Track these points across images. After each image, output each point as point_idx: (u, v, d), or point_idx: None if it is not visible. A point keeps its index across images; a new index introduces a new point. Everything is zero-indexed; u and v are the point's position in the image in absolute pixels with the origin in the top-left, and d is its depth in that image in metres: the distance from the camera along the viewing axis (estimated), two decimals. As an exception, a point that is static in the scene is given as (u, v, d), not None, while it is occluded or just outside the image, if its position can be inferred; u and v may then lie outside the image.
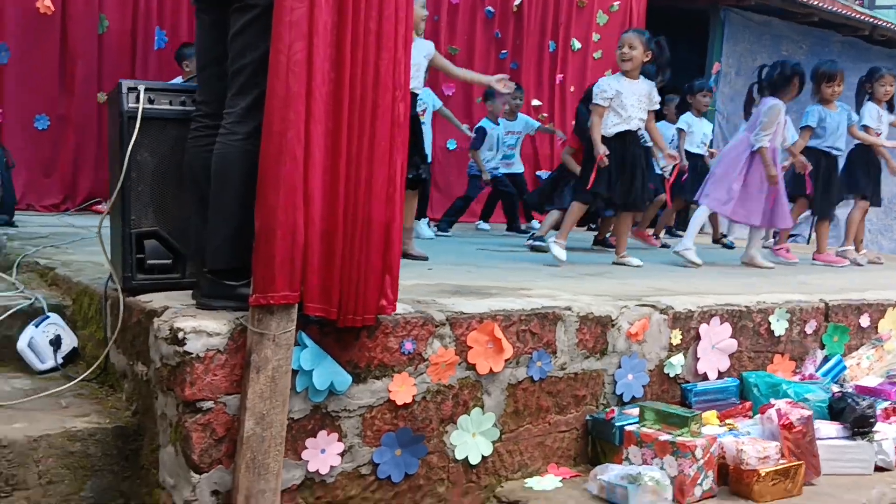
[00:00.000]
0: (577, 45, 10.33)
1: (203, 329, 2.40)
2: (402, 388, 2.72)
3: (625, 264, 5.26)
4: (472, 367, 2.87)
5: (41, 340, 3.08)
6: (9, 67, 7.28)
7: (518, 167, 8.34)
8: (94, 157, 7.62)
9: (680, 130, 7.63)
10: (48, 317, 3.15)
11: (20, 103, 7.31)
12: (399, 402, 2.71)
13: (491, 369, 2.89)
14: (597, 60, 10.40)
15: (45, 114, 7.44)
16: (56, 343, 3.10)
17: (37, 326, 3.09)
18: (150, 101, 2.80)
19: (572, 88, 10.35)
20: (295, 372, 2.49)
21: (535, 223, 8.73)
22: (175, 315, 2.49)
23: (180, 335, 2.37)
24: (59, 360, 3.09)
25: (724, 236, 7.86)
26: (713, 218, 7.73)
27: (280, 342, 2.43)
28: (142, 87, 2.77)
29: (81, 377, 2.81)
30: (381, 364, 2.68)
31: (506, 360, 2.93)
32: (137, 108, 2.75)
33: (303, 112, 2.39)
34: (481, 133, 7.94)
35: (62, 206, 7.41)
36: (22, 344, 3.04)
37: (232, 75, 2.54)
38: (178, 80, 7.26)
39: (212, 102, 2.66)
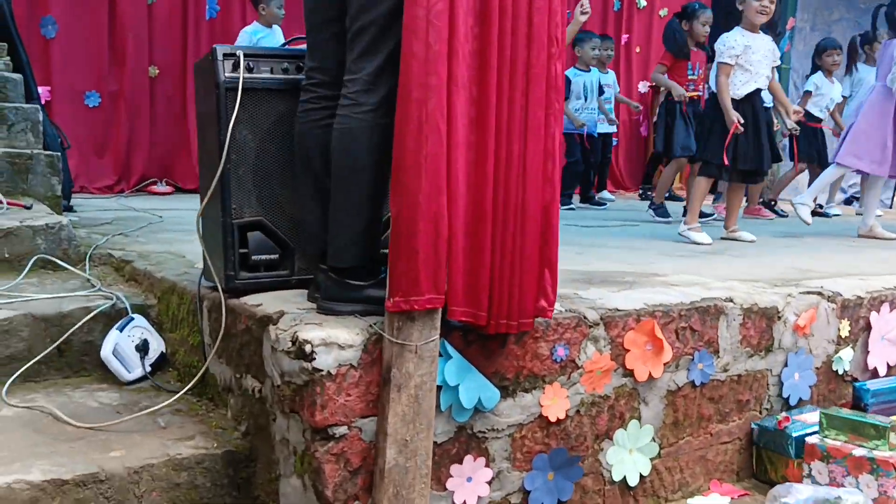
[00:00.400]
0: (643, 2, 9.80)
1: (334, 340, 2.00)
2: (555, 402, 2.31)
3: (736, 239, 4.81)
4: (629, 373, 2.45)
5: (127, 346, 2.71)
6: (56, 42, 6.94)
7: (612, 126, 7.97)
8: (147, 135, 7.29)
9: (807, 92, 7.12)
10: (132, 319, 2.78)
11: (69, 79, 6.98)
12: (551, 418, 2.31)
13: (650, 375, 2.48)
14: (663, 18, 9.84)
15: (95, 90, 7.10)
16: (143, 349, 2.73)
17: (121, 331, 2.72)
18: (249, 69, 2.39)
19: (638, 49, 9.85)
20: (438, 388, 2.09)
21: (605, 194, 8.27)
22: (295, 322, 2.10)
23: (307, 348, 1.98)
24: (147, 369, 2.72)
25: (821, 206, 7.34)
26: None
27: (423, 354, 2.03)
28: (241, 53, 2.36)
29: (182, 392, 2.43)
30: (530, 374, 2.28)
31: (665, 364, 2.51)
32: (237, 77, 2.34)
33: (444, 76, 1.97)
34: (566, 82, 7.50)
35: (116, 188, 7.09)
36: (106, 351, 2.67)
37: (354, 35, 2.12)
38: (253, 27, 6.88)
39: (328, 69, 2.25)
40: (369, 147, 2.10)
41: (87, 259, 3.36)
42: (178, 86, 7.44)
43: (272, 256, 2.43)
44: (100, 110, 7.12)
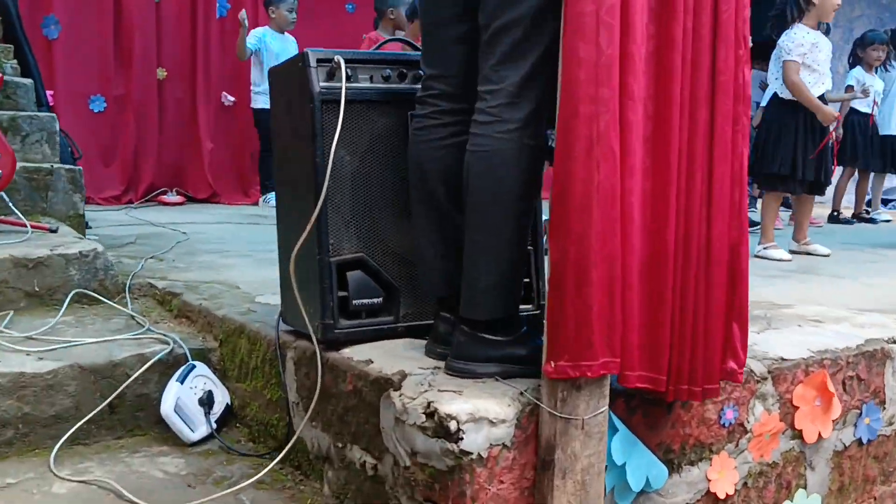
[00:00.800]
0: None
1: (483, 415, 1.61)
2: (723, 474, 1.93)
3: (810, 252, 4.46)
4: (797, 434, 2.08)
5: (189, 401, 2.31)
6: (59, 43, 6.52)
7: None
8: (155, 141, 6.88)
9: (848, 87, 6.77)
10: (193, 367, 2.38)
11: (73, 83, 6.57)
12: (720, 495, 1.93)
13: (819, 435, 2.10)
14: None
15: (100, 94, 6.68)
16: (207, 402, 2.33)
17: (182, 382, 2.32)
18: (347, 78, 1.99)
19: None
20: (601, 467, 1.71)
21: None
22: (425, 388, 1.71)
23: (452, 426, 1.59)
24: (213, 426, 2.32)
25: (867, 212, 7.01)
26: (860, 190, 6.92)
27: (591, 430, 1.65)
28: (340, 60, 1.97)
29: (271, 465, 2.03)
30: (696, 444, 1.90)
31: (833, 421, 2.14)
32: (338, 88, 1.95)
33: (617, 86, 1.59)
34: None
35: (124, 199, 6.67)
36: (167, 408, 2.27)
37: (492, 35, 1.73)
38: (263, 29, 6.53)
39: (452, 77, 1.86)
40: (518, 174, 1.72)
41: (127, 291, 2.95)
42: (188, 88, 7.03)
43: (375, 300, 2.04)
44: (105, 115, 6.71)
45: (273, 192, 6.87)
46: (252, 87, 6.88)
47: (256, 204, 6.98)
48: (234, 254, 3.79)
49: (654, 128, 1.66)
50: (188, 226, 5.04)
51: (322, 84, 1.97)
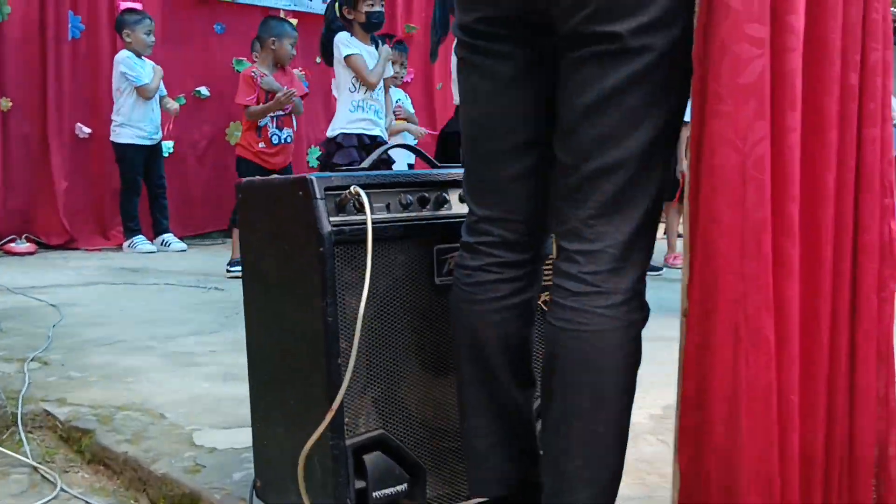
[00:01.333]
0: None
1: None
2: None
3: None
4: None
5: None
6: None
7: None
8: (-1, 182, 6.05)
9: None
10: (133, 552, 1.87)
11: None
12: None
13: None
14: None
15: (-67, 128, 5.81)
16: None
17: (122, 579, 1.81)
18: (358, 207, 1.56)
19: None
20: None
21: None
22: None
23: None
24: None
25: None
26: None
27: None
28: (360, 191, 1.52)
29: None
30: None
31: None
32: (353, 225, 1.51)
33: (770, 256, 1.25)
34: None
35: (-39, 249, 5.82)
36: None
37: (584, 179, 1.33)
38: (125, 55, 5.91)
39: (515, 221, 1.44)
40: (623, 359, 1.33)
41: (20, 426, 2.36)
42: (37, 121, 6.26)
43: (400, 488, 1.61)
44: (-61, 152, 5.85)
45: (139, 237, 6.23)
46: (113, 118, 6.20)
47: (120, 247, 6.28)
48: (132, 346, 3.22)
49: (801, 303, 1.32)
50: (54, 291, 4.37)
51: (332, 219, 1.52)
